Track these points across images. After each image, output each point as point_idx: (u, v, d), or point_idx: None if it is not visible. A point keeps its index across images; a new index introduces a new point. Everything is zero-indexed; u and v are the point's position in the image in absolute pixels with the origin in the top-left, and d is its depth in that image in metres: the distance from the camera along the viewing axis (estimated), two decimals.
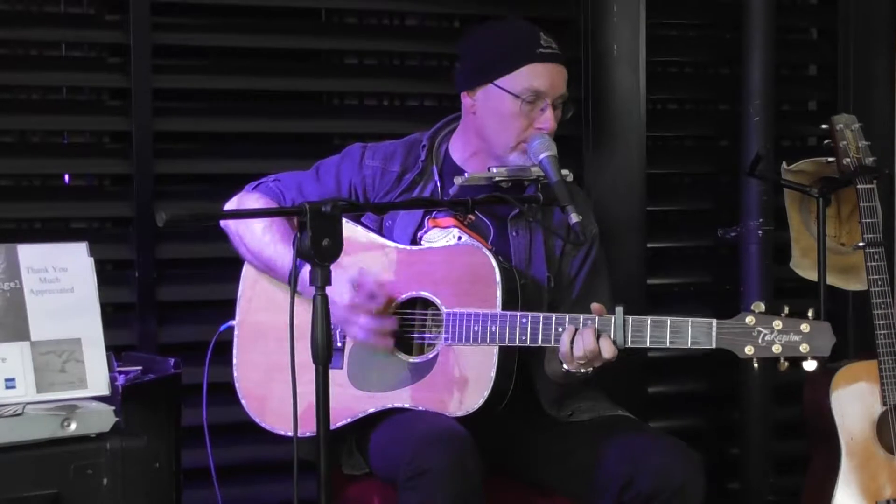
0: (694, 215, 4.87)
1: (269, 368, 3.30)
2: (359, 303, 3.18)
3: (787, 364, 2.98)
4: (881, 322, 3.67)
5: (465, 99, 3.38)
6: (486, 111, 3.33)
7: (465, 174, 3.33)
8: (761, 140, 4.36)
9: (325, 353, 2.61)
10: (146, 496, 2.90)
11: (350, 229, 3.30)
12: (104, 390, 2.96)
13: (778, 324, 2.97)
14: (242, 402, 3.35)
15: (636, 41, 4.46)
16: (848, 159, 3.75)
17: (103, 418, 2.84)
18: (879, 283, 3.69)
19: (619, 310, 3.06)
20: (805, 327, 2.97)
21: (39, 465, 2.76)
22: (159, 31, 4.03)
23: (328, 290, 3.09)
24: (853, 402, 3.72)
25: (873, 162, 3.76)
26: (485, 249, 3.22)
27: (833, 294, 4.19)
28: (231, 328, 3.40)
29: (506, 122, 3.29)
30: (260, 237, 3.32)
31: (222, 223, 3.40)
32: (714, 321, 3.01)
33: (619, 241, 4.38)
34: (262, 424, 3.33)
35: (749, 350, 2.98)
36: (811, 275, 4.07)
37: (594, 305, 3.09)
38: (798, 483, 3.97)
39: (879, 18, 4.68)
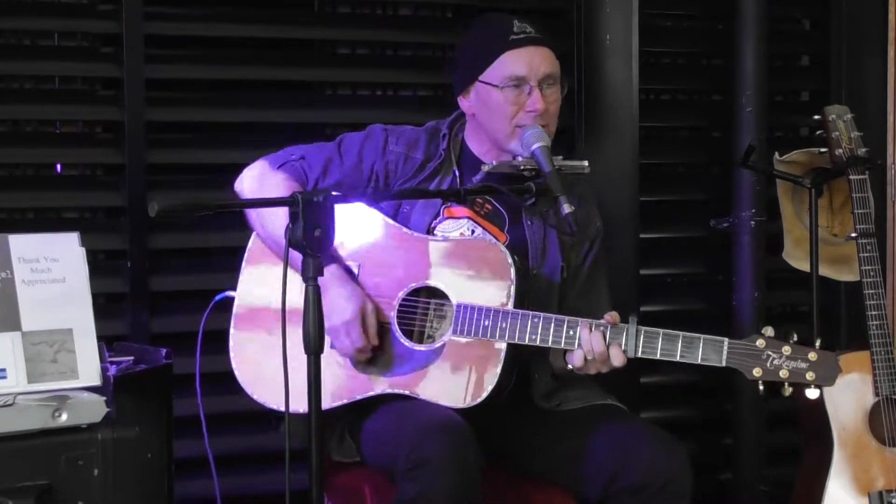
0: (686, 206, 4.87)
1: (269, 342, 3.28)
2: (353, 335, 3.20)
3: (790, 389, 3.04)
4: (873, 313, 3.67)
5: (463, 103, 3.43)
6: (480, 108, 3.37)
7: (492, 162, 3.35)
8: (754, 131, 4.36)
9: (316, 343, 2.60)
10: (138, 487, 2.90)
11: (368, 214, 3.32)
12: (96, 381, 2.96)
13: (787, 350, 3.03)
14: (236, 372, 3.33)
15: (629, 32, 4.46)
16: (840, 150, 3.75)
17: (94, 409, 2.84)
18: (871, 273, 3.70)
19: (632, 319, 3.10)
20: (813, 356, 3.03)
21: (30, 455, 2.76)
22: (151, 21, 4.03)
23: (335, 298, 3.16)
24: (845, 393, 3.72)
25: (865, 152, 3.76)
26: (501, 245, 3.24)
27: (825, 285, 4.19)
28: (226, 299, 3.39)
29: (496, 113, 3.33)
30: (283, 223, 3.30)
31: (237, 188, 3.43)
32: (726, 340, 3.06)
33: (612, 232, 4.36)
34: (255, 398, 3.31)
35: (757, 372, 3.03)
36: (803, 265, 4.07)
37: (608, 315, 3.11)
38: (791, 474, 3.97)
39: (871, 9, 4.67)
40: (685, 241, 4.88)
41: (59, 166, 4.15)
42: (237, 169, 3.51)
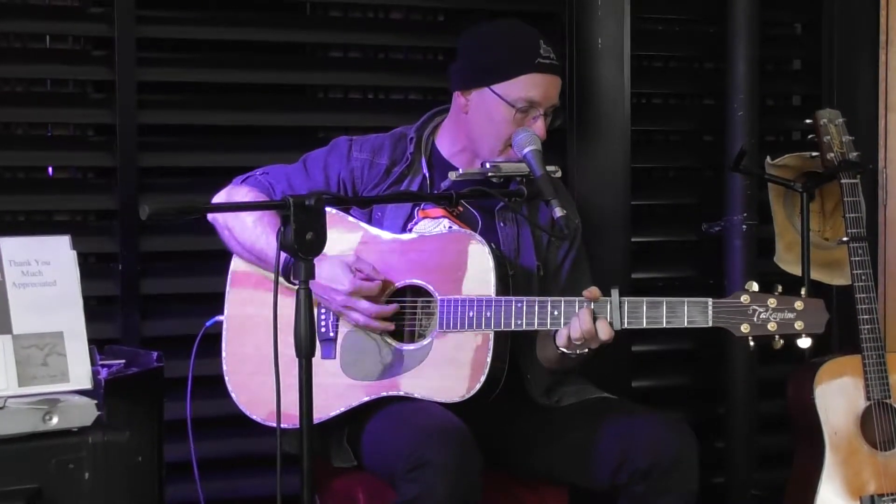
0: (678, 210, 4.87)
1: (259, 361, 3.29)
2: (359, 287, 3.19)
3: (781, 342, 3.01)
4: (865, 317, 3.67)
5: (459, 98, 3.41)
6: (478, 113, 3.36)
7: (459, 170, 3.36)
8: (745, 134, 4.36)
9: (308, 347, 2.60)
10: (128, 490, 2.89)
11: (341, 220, 3.32)
12: (86, 384, 2.94)
13: (773, 302, 3.02)
14: (232, 394, 3.34)
15: (621, 35, 4.46)
16: (832, 154, 3.76)
17: (85, 412, 2.82)
18: (863, 277, 3.70)
19: (614, 292, 3.10)
20: (799, 305, 3.02)
21: (21, 459, 2.74)
22: (144, 24, 4.03)
23: (327, 279, 3.14)
24: (837, 397, 3.72)
25: (857, 157, 3.77)
26: (477, 236, 3.24)
27: (817, 289, 4.19)
28: (217, 323, 3.40)
29: (496, 127, 3.33)
30: (251, 229, 3.31)
31: (210, 217, 3.41)
32: (710, 300, 3.05)
33: (604, 235, 4.39)
34: (252, 416, 3.32)
35: (745, 328, 3.02)
36: (795, 269, 4.07)
37: (589, 290, 3.11)
38: (782, 477, 3.97)
39: (863, 13, 4.68)
40: (677, 244, 4.88)
41: (50, 169, 4.15)
42: (229, 172, 3.51)
